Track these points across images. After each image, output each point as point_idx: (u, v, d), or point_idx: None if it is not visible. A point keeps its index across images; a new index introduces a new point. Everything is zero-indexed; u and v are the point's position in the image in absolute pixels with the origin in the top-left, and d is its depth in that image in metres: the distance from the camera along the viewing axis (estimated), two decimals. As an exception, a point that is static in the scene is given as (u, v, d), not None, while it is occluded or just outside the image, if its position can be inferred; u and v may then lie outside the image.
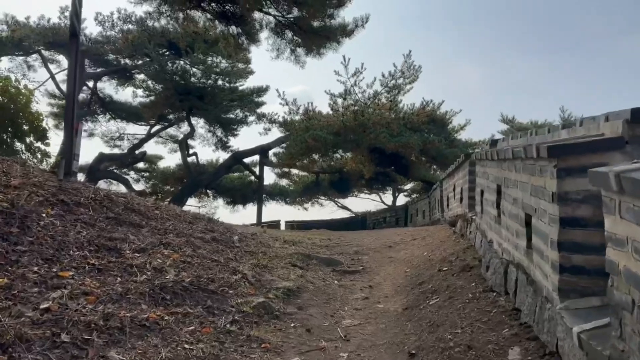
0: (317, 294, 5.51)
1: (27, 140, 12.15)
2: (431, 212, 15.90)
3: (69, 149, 7.49)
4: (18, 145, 12.23)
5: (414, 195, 29.88)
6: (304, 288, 5.57)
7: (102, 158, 21.33)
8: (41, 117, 12.12)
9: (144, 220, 6.34)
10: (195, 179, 21.67)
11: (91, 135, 26.98)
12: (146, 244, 5.35)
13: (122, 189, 25.27)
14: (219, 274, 5.11)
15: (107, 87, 39.88)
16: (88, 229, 5.21)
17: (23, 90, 11.75)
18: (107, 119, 27.14)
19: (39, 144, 12.10)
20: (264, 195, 26.64)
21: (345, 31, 13.73)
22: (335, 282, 6.06)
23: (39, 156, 12.45)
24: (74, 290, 3.83)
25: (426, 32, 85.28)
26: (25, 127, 11.99)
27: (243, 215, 28.27)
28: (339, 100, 17.15)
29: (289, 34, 13.58)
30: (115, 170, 27.46)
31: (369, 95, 17.28)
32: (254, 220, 24.56)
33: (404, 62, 16.92)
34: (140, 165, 29.62)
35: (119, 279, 4.34)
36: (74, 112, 7.59)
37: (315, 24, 13.21)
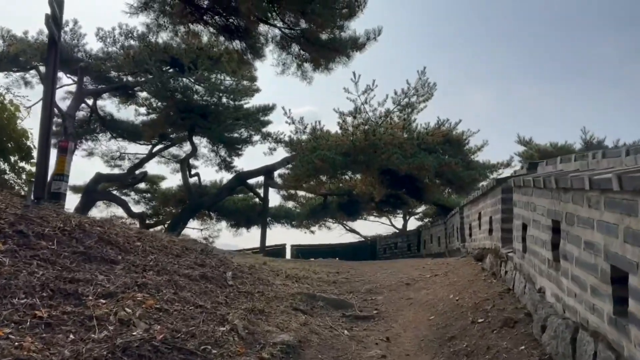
0: (324, 350, 4.58)
1: (12, 159, 11.44)
2: (448, 240, 14.93)
3: (43, 168, 6.72)
4: (2, 165, 11.53)
5: (426, 220, 28.86)
6: (307, 341, 4.65)
7: (99, 178, 20.63)
8: (27, 135, 11.42)
9: (120, 255, 5.50)
10: (195, 201, 20.85)
11: (90, 154, 26.41)
12: (117, 286, 4.48)
13: (120, 211, 24.58)
14: (202, 326, 4.21)
15: (109, 105, 39.24)
16: (46, 267, 4.37)
17: (8, 106, 11.07)
18: (107, 137, 26.62)
19: (23, 164, 11.40)
20: (269, 218, 25.76)
21: (356, 44, 13.01)
22: (345, 332, 5.12)
23: (24, 177, 11.72)
24: (4, 358, 2.96)
25: (434, 55, 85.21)
26: (10, 145, 11.29)
27: (247, 239, 27.37)
28: (349, 119, 16.37)
29: (295, 47, 12.89)
30: (114, 192, 26.85)
31: (381, 114, 16.51)
32: (259, 244, 23.72)
33: (418, 79, 16.17)
34: (142, 185, 28.97)
35: (71, 336, 3.46)
36: (50, 128, 6.85)
37: (324, 36, 12.50)
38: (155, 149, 26.00)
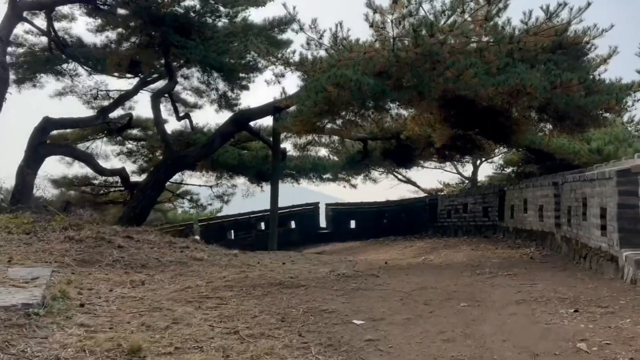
0: None
1: None
2: (566, 218, 9.14)
3: None
4: None
5: (509, 170, 22.57)
6: None
7: (46, 125, 16.02)
8: None
9: None
10: (174, 155, 15.91)
11: (62, 94, 21.92)
12: None
13: (87, 170, 20.13)
14: None
15: (79, 28, 33.79)
16: None
17: None
18: (87, 72, 22.03)
19: None
20: (290, 171, 20.73)
21: None
22: None
23: None
24: None
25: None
26: None
27: (262, 198, 22.34)
28: (388, 17, 10.45)
29: None
30: (98, 141, 22.69)
31: (443, 5, 10.48)
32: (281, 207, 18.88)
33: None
34: (135, 132, 24.58)
35: None
36: None
37: None
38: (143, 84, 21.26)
